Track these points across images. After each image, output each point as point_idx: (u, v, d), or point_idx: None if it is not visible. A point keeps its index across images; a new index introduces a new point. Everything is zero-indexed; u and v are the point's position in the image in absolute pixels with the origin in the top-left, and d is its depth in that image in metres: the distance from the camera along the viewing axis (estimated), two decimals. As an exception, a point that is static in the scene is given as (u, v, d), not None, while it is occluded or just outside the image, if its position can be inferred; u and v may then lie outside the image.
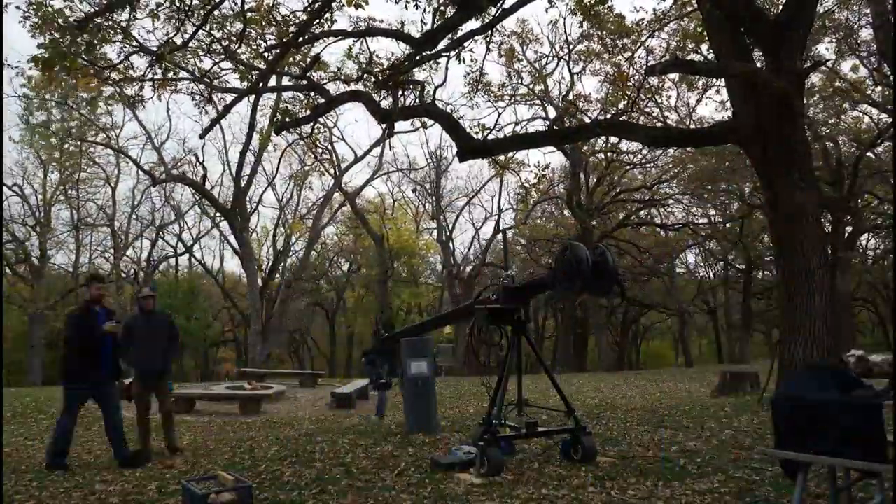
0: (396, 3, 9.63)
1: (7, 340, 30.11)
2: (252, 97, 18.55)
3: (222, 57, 10.62)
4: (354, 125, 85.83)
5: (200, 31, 9.47)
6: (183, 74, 11.10)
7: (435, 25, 9.23)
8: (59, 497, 4.96)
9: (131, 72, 10.28)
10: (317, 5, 9.14)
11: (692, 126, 19.82)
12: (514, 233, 34.72)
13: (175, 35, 9.22)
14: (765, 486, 4.41)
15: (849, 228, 22.01)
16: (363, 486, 4.83)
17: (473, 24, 9.72)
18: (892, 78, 15.25)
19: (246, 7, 9.31)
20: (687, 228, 30.41)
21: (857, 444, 3.08)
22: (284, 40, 9.42)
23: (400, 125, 19.06)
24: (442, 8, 9.26)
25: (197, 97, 11.99)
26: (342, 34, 10.15)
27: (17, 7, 8.39)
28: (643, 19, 14.62)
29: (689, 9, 13.80)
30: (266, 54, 9.88)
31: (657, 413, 8.52)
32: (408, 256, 35.91)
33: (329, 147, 28.18)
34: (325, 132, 23.17)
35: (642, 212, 31.72)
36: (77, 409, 6.24)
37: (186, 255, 37.34)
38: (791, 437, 3.32)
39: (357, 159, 31.26)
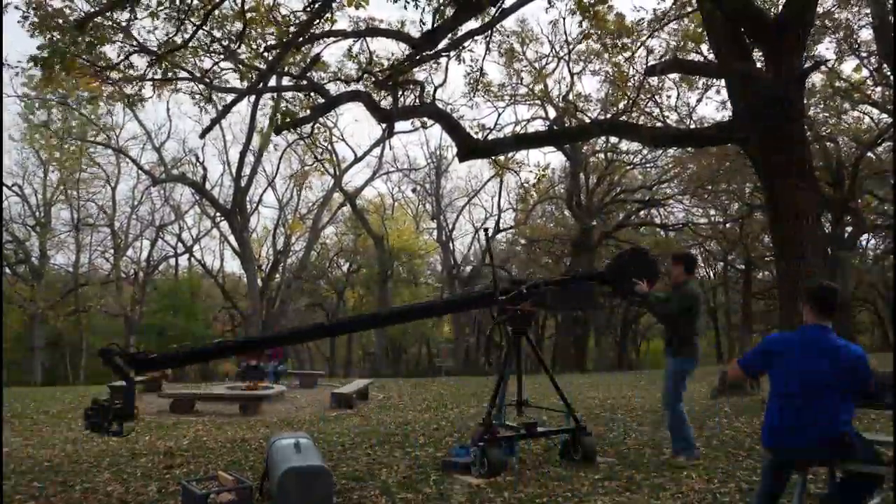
0: (395, 1, 9.62)
1: (7, 340, 30.09)
2: (252, 97, 18.55)
3: (222, 57, 10.62)
4: (354, 125, 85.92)
5: (200, 31, 9.47)
6: (183, 74, 11.08)
7: (435, 25, 9.22)
8: (59, 497, 4.96)
9: (131, 71, 10.27)
10: (317, 5, 9.13)
11: (692, 126, 19.79)
12: (513, 233, 34.73)
13: (175, 35, 9.22)
14: (765, 487, 4.41)
15: (849, 228, 22.00)
16: (363, 486, 4.83)
17: (473, 24, 9.72)
18: (892, 78, 15.24)
19: (246, 7, 9.31)
20: (687, 228, 30.40)
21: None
22: (284, 40, 9.41)
23: (400, 125, 19.06)
24: (442, 8, 9.25)
25: (197, 97, 11.98)
26: (342, 34, 10.15)
27: (17, 7, 8.40)
28: (643, 19, 14.57)
29: (689, 9, 13.78)
30: (266, 54, 9.88)
31: (657, 413, 8.51)
32: (408, 256, 35.90)
33: (329, 147, 28.22)
34: (325, 132, 23.18)
35: (642, 212, 31.71)
36: None
37: (186, 256, 37.33)
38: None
39: (357, 159, 31.31)
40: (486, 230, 6.85)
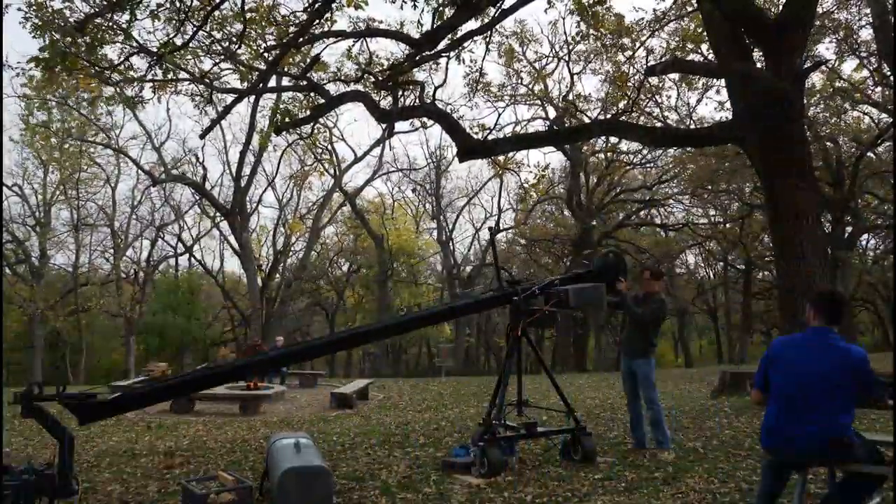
0: (394, 2, 9.61)
1: (7, 340, 30.09)
2: (252, 97, 18.54)
3: (222, 57, 10.61)
4: (354, 125, 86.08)
5: (200, 32, 9.46)
6: (183, 75, 11.08)
7: (434, 25, 9.23)
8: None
9: (131, 73, 10.27)
10: (317, 5, 9.14)
11: (692, 126, 19.79)
12: (513, 233, 34.72)
13: (175, 36, 9.22)
14: (764, 487, 4.41)
15: (849, 228, 22.00)
16: (363, 486, 4.83)
17: (473, 24, 9.73)
18: (892, 78, 15.24)
19: (246, 7, 9.30)
20: (687, 228, 30.40)
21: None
22: (284, 40, 9.41)
23: (400, 125, 19.16)
24: (441, 8, 9.25)
25: (197, 98, 11.98)
26: (342, 34, 10.14)
27: (19, 8, 8.40)
28: (643, 19, 14.59)
29: (689, 9, 13.80)
30: (266, 54, 9.88)
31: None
32: (408, 256, 35.91)
33: (329, 147, 28.23)
34: (325, 132, 23.23)
35: (642, 212, 31.71)
36: None
37: (186, 255, 37.32)
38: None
39: (357, 159, 31.32)
40: (490, 228, 6.87)
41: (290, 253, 35.77)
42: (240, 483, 4.46)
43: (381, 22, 11.26)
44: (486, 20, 9.87)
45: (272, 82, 11.09)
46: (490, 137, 12.86)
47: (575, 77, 23.00)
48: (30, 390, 3.58)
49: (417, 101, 10.58)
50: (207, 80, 10.81)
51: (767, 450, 3.48)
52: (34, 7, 8.25)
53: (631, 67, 16.52)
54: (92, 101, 12.66)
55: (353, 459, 5.90)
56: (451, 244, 35.11)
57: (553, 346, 34.41)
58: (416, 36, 9.55)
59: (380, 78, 10.61)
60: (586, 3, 10.79)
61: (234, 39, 9.93)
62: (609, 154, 27.95)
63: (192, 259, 37.56)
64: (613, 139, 25.07)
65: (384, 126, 13.22)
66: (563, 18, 23.78)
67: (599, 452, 5.56)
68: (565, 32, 28.21)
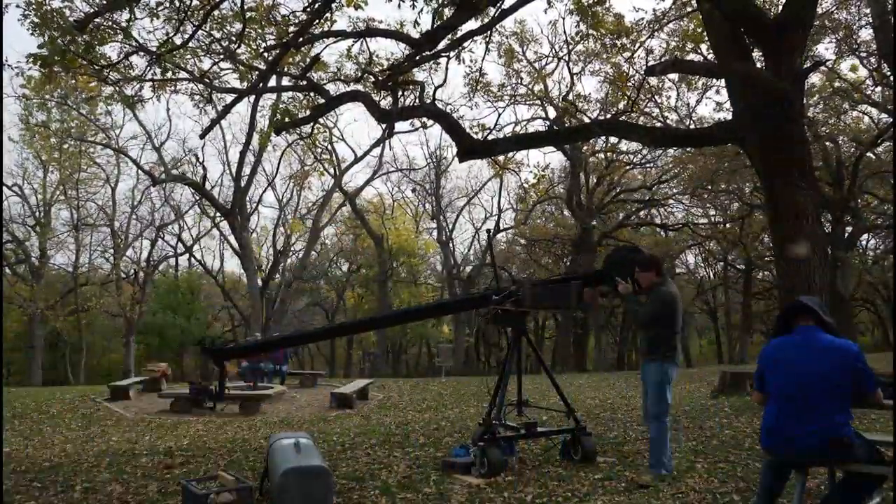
0: (391, 0, 9.62)
1: (7, 340, 30.07)
2: (252, 97, 18.53)
3: (222, 57, 10.61)
4: (354, 125, 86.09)
5: (200, 31, 9.45)
6: (182, 75, 11.07)
7: (434, 25, 9.23)
8: (59, 497, 4.96)
9: (131, 72, 10.25)
10: (316, 5, 9.13)
11: (692, 126, 19.79)
12: (513, 233, 34.71)
13: (174, 35, 9.21)
14: (765, 487, 4.40)
15: (849, 228, 21.99)
16: (363, 486, 4.83)
17: (473, 24, 9.72)
18: (892, 78, 15.24)
19: (246, 7, 9.30)
20: (687, 228, 30.40)
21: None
22: (284, 40, 9.40)
23: (400, 125, 19.13)
24: (441, 8, 9.25)
25: (196, 97, 11.98)
26: (342, 34, 10.14)
27: (17, 6, 8.38)
28: (642, 19, 14.56)
29: (689, 9, 13.79)
30: (266, 54, 9.87)
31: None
32: (407, 256, 35.91)
33: (329, 147, 28.24)
34: (325, 132, 23.19)
35: (642, 212, 31.71)
36: None
37: (186, 255, 37.31)
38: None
39: (357, 159, 31.34)
40: (487, 231, 6.93)
41: (290, 253, 35.81)
42: (240, 483, 4.45)
43: (380, 22, 11.26)
44: (486, 20, 9.87)
45: (272, 82, 11.08)
46: (490, 137, 12.85)
47: (575, 77, 23.00)
48: (202, 341, 6.02)
49: (417, 101, 10.56)
50: (207, 80, 10.80)
51: (767, 450, 3.47)
52: (33, 5, 8.24)
53: (631, 68, 16.53)
54: (87, 99, 12.62)
55: (353, 459, 5.90)
56: (451, 244, 35.12)
57: (553, 346, 34.41)
58: (416, 36, 9.54)
59: (380, 78, 10.60)
60: (586, 3, 10.78)
61: (234, 39, 9.92)
62: (609, 154, 27.95)
63: (192, 259, 37.59)
64: (613, 139, 25.08)
65: (384, 126, 13.21)
66: (563, 18, 23.81)
67: (599, 452, 5.56)
68: (565, 32, 28.19)
